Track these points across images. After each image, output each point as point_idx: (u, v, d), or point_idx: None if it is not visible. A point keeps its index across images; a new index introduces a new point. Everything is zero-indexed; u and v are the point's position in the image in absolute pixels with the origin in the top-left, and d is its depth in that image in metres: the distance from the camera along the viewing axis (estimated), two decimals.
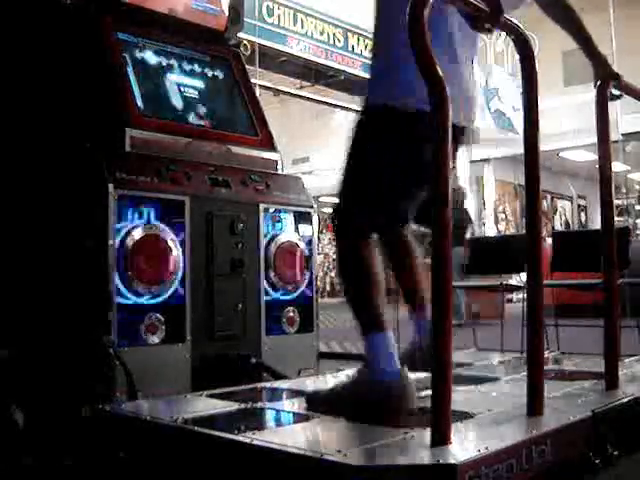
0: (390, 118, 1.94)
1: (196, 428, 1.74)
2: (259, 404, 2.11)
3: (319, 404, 1.95)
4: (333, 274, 18.38)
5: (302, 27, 11.01)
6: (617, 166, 10.73)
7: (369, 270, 1.92)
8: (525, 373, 1.80)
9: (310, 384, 2.52)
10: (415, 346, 2.13)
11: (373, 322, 1.88)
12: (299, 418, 1.99)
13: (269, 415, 2.05)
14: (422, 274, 2.19)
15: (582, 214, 16.42)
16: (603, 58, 2.24)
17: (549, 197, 15.05)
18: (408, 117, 1.88)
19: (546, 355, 2.80)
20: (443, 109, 1.49)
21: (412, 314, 2.18)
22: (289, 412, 2.09)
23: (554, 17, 2.27)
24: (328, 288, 18.11)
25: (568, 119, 10.29)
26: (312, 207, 3.09)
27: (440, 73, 1.49)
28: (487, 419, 1.76)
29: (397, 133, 1.93)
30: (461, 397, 2.02)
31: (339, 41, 11.69)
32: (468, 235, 7.20)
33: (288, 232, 2.96)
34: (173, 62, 3.02)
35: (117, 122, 2.61)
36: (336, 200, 2.05)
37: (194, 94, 3.01)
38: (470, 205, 13.58)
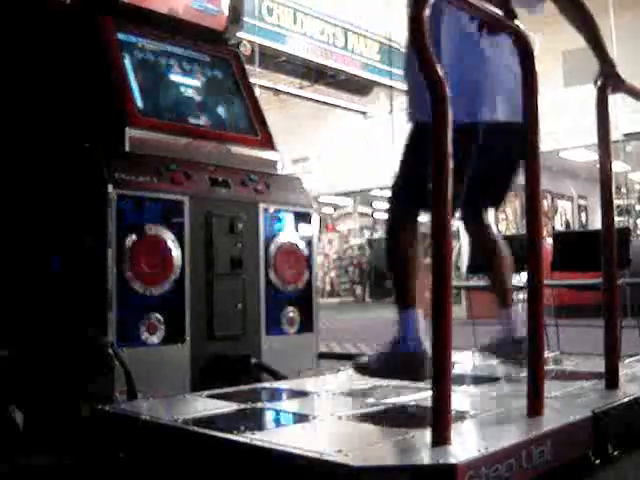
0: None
1: (196, 428, 1.74)
2: (259, 404, 2.11)
3: (365, 370, 2.35)
4: (333, 274, 18.41)
5: (302, 27, 11.00)
6: (617, 166, 10.73)
7: (407, 252, 2.25)
8: (525, 373, 1.80)
9: (310, 384, 2.53)
10: (506, 338, 2.47)
11: (406, 299, 2.21)
12: (299, 418, 1.99)
13: (269, 415, 2.05)
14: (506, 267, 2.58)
15: (582, 214, 16.41)
16: (610, 58, 2.33)
17: (549, 197, 15.03)
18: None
19: (546, 355, 2.80)
20: (443, 107, 1.49)
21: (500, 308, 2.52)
22: (289, 412, 2.09)
23: (569, 17, 2.38)
24: (328, 288, 18.11)
25: (568, 119, 10.28)
26: (312, 207, 3.09)
27: (440, 72, 1.49)
28: (487, 419, 1.76)
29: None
30: (461, 397, 2.02)
31: (339, 41, 11.68)
32: None
33: (288, 232, 2.96)
34: (173, 62, 3.01)
35: (117, 122, 2.61)
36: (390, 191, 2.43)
37: (194, 94, 3.01)
38: None
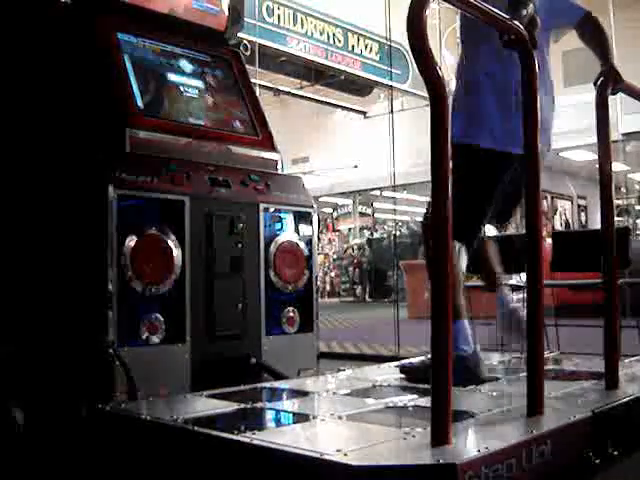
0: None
1: (196, 428, 1.74)
2: (259, 404, 2.11)
3: (413, 374, 2.41)
4: (333, 274, 18.42)
5: (302, 27, 11.02)
6: (617, 166, 10.73)
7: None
8: (525, 373, 1.80)
9: (310, 384, 2.53)
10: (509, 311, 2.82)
11: (454, 312, 2.16)
12: (299, 418, 1.99)
13: (269, 415, 2.05)
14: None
15: (582, 214, 16.42)
16: (611, 60, 2.40)
17: (549, 197, 15.04)
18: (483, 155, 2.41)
19: (546, 355, 2.80)
20: (442, 107, 1.49)
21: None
22: (289, 412, 2.09)
23: (588, 44, 2.53)
24: (328, 288, 18.12)
25: (568, 119, 10.27)
26: (312, 207, 3.09)
27: (440, 72, 1.49)
28: (487, 419, 1.76)
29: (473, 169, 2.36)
30: (461, 397, 2.02)
31: (339, 41, 11.71)
32: None
33: (288, 232, 2.96)
34: (173, 62, 3.02)
35: (117, 122, 2.61)
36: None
37: (194, 94, 3.01)
38: None
